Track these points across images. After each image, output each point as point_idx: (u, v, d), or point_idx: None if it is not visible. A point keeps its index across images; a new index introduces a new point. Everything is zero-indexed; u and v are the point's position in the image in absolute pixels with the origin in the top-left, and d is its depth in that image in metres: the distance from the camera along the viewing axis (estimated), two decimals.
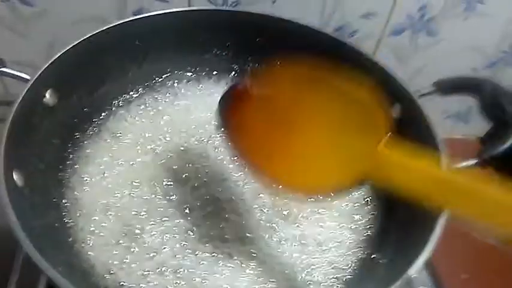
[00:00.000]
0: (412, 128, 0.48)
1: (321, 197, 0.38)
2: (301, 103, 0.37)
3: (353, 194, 0.47)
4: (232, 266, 0.43)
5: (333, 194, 0.37)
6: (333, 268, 0.44)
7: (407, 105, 0.48)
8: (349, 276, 0.44)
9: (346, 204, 0.49)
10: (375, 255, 0.45)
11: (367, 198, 0.49)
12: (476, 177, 0.33)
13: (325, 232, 0.47)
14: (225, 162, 0.50)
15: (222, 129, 0.40)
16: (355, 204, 0.49)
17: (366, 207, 0.49)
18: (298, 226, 0.46)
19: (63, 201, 0.45)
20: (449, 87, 0.48)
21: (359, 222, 0.48)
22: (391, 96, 0.50)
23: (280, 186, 0.37)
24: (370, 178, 0.34)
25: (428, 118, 0.45)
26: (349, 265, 0.45)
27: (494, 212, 0.30)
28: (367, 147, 0.34)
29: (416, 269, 0.35)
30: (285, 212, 0.47)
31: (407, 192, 0.32)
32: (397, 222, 0.46)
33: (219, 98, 0.42)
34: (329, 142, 0.36)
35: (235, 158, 0.40)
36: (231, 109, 0.40)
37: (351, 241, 0.46)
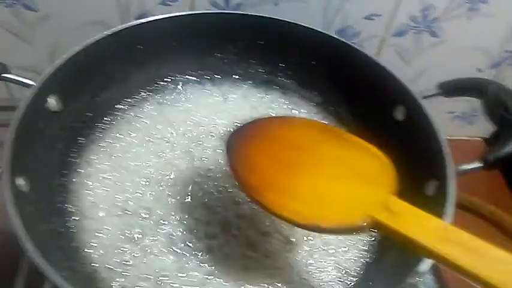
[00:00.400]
0: (416, 130, 0.47)
1: (326, 231, 0.36)
2: (312, 145, 0.39)
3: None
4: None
5: (335, 233, 0.37)
6: (338, 271, 0.44)
7: (411, 107, 0.48)
8: (354, 279, 0.44)
9: None
10: (380, 259, 0.45)
11: None
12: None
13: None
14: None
15: (229, 165, 0.40)
16: None
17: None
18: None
19: (67, 206, 0.45)
20: (454, 89, 0.48)
21: None
22: (394, 98, 0.50)
23: (285, 216, 0.36)
24: (380, 225, 0.33)
25: (432, 120, 0.45)
26: (355, 269, 0.45)
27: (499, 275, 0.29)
28: (378, 194, 0.34)
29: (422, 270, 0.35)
30: None
31: (411, 246, 0.32)
32: None
33: (229, 136, 0.41)
34: (339, 182, 0.36)
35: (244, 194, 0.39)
36: (240, 146, 0.40)
37: (356, 244, 0.46)
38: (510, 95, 0.44)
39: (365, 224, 0.33)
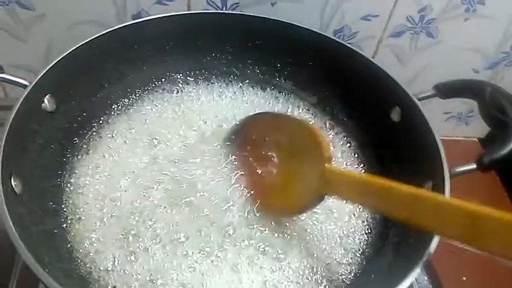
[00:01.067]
0: (411, 129, 0.48)
1: (292, 215, 0.47)
2: (270, 141, 0.50)
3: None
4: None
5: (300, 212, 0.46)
6: (332, 274, 0.44)
7: (408, 108, 0.48)
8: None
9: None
10: (375, 259, 0.45)
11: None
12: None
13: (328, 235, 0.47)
14: (224, 164, 0.51)
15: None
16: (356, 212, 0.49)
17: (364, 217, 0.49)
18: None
19: (62, 207, 0.45)
20: (450, 90, 0.48)
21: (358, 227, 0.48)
22: (390, 99, 0.50)
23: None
24: (326, 193, 0.42)
25: (428, 122, 0.45)
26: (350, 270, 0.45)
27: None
28: (317, 169, 0.42)
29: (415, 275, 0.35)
30: None
31: (353, 200, 0.42)
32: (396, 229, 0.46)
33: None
34: (292, 170, 0.46)
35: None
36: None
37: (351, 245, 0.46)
38: (506, 97, 0.44)
39: (317, 197, 0.43)
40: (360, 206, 0.49)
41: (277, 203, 0.46)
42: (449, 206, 0.34)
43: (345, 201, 0.45)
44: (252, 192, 0.48)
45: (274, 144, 0.49)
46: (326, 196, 0.42)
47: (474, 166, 0.42)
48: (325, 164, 0.41)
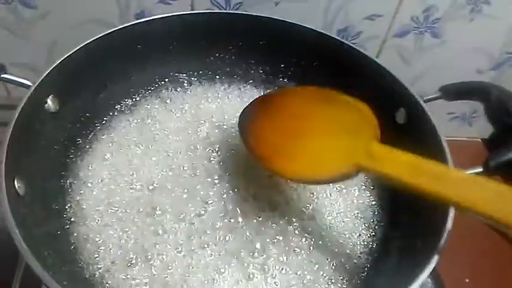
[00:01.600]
0: (417, 131, 0.47)
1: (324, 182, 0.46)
2: (308, 111, 0.46)
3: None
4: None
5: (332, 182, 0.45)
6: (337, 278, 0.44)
7: (413, 110, 0.48)
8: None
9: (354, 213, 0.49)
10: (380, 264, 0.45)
11: (373, 207, 0.50)
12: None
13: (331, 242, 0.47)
14: (231, 165, 0.50)
15: (243, 135, 0.48)
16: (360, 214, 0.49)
17: (370, 216, 0.49)
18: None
19: (65, 208, 0.45)
20: (455, 93, 0.47)
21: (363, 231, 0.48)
22: (395, 100, 0.50)
23: (290, 177, 0.44)
24: (365, 169, 0.40)
25: (434, 124, 0.45)
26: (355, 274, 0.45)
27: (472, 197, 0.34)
28: (361, 143, 0.40)
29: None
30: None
31: (395, 182, 0.38)
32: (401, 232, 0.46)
33: (243, 109, 0.49)
34: (330, 139, 0.43)
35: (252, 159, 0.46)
36: (250, 118, 0.48)
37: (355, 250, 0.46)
38: None
39: (353, 170, 0.40)
40: (368, 206, 0.48)
41: (304, 167, 0.43)
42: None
43: (386, 181, 0.41)
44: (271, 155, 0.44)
45: (304, 113, 0.46)
46: (361, 172, 0.41)
47: (480, 169, 0.41)
48: (374, 141, 0.40)
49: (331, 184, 0.50)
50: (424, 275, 0.35)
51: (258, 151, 0.45)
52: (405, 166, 0.37)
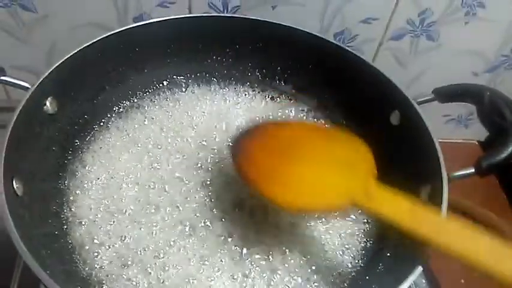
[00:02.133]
0: (410, 133, 0.48)
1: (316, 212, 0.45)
2: (305, 143, 0.45)
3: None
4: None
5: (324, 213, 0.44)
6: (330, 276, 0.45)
7: (407, 112, 0.48)
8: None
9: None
10: (373, 262, 0.46)
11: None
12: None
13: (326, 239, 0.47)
14: (227, 167, 0.51)
15: (235, 162, 0.45)
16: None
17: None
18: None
19: (63, 209, 0.45)
20: (449, 95, 0.48)
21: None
22: (390, 102, 0.51)
23: (282, 203, 0.41)
24: (361, 206, 0.39)
25: (427, 126, 0.45)
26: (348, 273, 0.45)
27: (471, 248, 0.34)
28: (358, 179, 0.40)
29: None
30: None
31: (392, 223, 0.37)
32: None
33: (234, 139, 0.47)
34: (326, 171, 0.42)
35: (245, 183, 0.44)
36: (244, 144, 0.45)
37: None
38: (505, 101, 0.44)
39: (347, 204, 0.39)
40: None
41: (298, 196, 0.41)
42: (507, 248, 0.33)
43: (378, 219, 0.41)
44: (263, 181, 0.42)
45: (302, 145, 0.45)
46: (354, 208, 0.40)
47: (472, 170, 0.42)
48: (371, 178, 0.40)
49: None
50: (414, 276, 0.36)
51: (250, 175, 0.43)
52: (404, 211, 0.37)
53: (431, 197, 0.42)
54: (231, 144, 0.46)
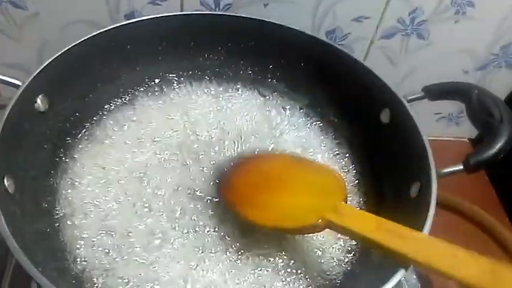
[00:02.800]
0: (400, 130, 0.48)
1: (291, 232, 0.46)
2: (282, 175, 0.48)
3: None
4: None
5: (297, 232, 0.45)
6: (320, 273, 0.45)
7: (396, 110, 0.49)
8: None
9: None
10: (364, 258, 0.46)
11: None
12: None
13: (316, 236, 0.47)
14: (216, 164, 0.51)
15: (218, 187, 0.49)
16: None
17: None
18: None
19: (55, 206, 0.45)
20: (438, 93, 0.48)
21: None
22: (380, 100, 0.51)
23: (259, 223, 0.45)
24: (330, 223, 0.41)
25: (416, 124, 0.46)
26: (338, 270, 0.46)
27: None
28: (330, 201, 0.42)
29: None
30: None
31: (359, 237, 0.40)
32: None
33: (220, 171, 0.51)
34: (301, 196, 0.45)
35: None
36: (226, 177, 0.50)
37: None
38: (492, 99, 0.45)
39: (320, 222, 0.41)
40: None
41: (273, 217, 0.44)
42: (467, 255, 0.34)
43: (351, 237, 0.45)
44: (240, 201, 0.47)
45: (275, 173, 0.49)
46: (327, 227, 0.42)
47: (461, 167, 0.43)
48: (342, 201, 0.42)
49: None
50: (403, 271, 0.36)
51: (230, 198, 0.47)
52: (370, 223, 0.39)
53: (420, 194, 0.43)
54: (217, 180, 0.50)
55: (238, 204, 0.46)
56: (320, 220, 0.41)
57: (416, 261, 0.35)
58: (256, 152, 0.54)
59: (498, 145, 0.41)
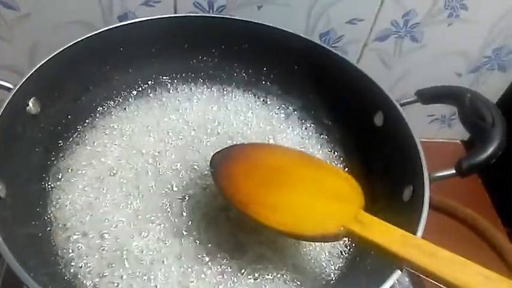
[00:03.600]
0: (393, 133, 0.48)
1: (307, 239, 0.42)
2: (289, 170, 0.43)
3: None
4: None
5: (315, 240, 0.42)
6: (314, 276, 0.45)
7: (390, 113, 0.49)
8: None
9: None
10: (357, 260, 0.46)
11: None
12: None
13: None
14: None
15: (215, 176, 0.44)
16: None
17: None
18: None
19: (46, 210, 0.45)
20: (431, 96, 0.49)
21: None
22: (374, 103, 0.51)
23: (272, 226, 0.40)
24: (353, 233, 0.38)
25: (409, 127, 0.46)
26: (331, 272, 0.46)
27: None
28: (349, 209, 0.39)
29: None
30: None
31: (376, 250, 0.37)
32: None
33: (213, 156, 0.45)
34: (317, 199, 0.41)
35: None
36: (224, 167, 0.44)
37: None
38: (485, 103, 0.45)
39: (340, 232, 0.38)
40: None
41: (287, 220, 0.40)
42: (499, 278, 0.33)
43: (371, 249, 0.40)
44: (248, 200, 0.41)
45: (286, 171, 0.44)
46: (346, 237, 0.39)
47: (453, 171, 0.43)
48: (362, 210, 0.39)
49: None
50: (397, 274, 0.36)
51: (235, 196, 0.42)
52: (395, 236, 0.37)
53: (413, 197, 0.43)
54: (211, 170, 0.44)
55: (250, 204, 0.40)
56: (342, 229, 0.38)
57: (443, 279, 0.34)
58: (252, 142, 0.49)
59: (490, 149, 0.42)
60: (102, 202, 0.47)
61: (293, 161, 0.45)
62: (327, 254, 0.47)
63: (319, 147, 0.56)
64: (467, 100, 0.46)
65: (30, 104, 0.45)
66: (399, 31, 0.67)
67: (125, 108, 0.56)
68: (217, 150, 0.47)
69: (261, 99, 0.60)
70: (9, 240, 0.35)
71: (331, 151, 0.56)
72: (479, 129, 0.44)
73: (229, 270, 0.43)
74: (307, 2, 0.63)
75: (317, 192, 0.41)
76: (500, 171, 0.62)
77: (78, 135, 0.52)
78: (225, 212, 0.47)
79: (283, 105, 0.59)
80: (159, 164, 0.51)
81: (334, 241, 0.41)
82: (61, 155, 0.50)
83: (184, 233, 0.45)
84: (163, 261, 0.43)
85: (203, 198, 0.48)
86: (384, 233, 0.37)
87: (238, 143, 0.49)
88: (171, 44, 0.57)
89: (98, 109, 0.54)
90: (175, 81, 0.59)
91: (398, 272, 0.36)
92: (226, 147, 0.48)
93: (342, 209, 0.39)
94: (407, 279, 0.56)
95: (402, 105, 0.48)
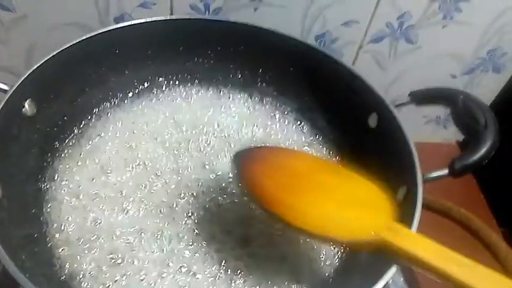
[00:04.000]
0: (387, 135, 0.49)
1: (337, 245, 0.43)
2: (312, 176, 0.43)
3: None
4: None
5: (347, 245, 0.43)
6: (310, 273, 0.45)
7: (384, 114, 0.49)
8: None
9: None
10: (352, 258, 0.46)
11: None
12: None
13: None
14: (212, 171, 0.51)
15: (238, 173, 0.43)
16: None
17: None
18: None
19: (42, 211, 0.45)
20: (424, 98, 0.49)
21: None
22: (368, 105, 0.52)
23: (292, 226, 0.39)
24: (386, 242, 0.37)
25: (403, 128, 0.46)
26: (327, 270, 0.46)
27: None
28: (381, 218, 0.39)
29: None
30: None
31: (419, 263, 0.36)
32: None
33: (235, 157, 0.45)
34: (347, 204, 0.40)
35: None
36: (247, 168, 0.43)
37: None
38: (478, 105, 0.45)
39: (371, 238, 0.37)
40: None
41: (321, 223, 0.39)
42: None
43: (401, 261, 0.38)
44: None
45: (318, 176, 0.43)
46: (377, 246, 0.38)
47: (446, 172, 0.43)
48: (393, 219, 0.39)
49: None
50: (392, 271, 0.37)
51: (264, 197, 0.40)
52: (430, 248, 0.36)
53: (406, 198, 0.43)
54: (234, 170, 0.43)
55: (278, 205, 0.39)
56: (373, 234, 0.37)
57: None
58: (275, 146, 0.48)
59: (483, 150, 0.42)
60: (98, 203, 0.47)
61: (311, 166, 0.45)
62: (324, 253, 0.47)
63: (314, 148, 0.56)
64: (460, 101, 0.46)
65: (26, 105, 0.45)
66: (394, 33, 0.68)
67: (120, 110, 0.56)
68: (239, 150, 0.46)
69: (257, 101, 0.60)
70: (5, 241, 0.35)
71: (325, 152, 0.56)
72: (472, 130, 0.44)
73: (223, 272, 0.44)
74: (303, 4, 0.63)
75: (346, 199, 0.41)
76: (494, 171, 0.63)
77: (74, 137, 0.52)
78: (219, 212, 0.48)
79: (278, 107, 0.60)
80: (156, 166, 0.51)
81: (364, 248, 0.40)
82: (57, 156, 0.50)
83: (180, 234, 0.46)
84: (160, 262, 0.43)
85: (198, 200, 0.48)
86: (420, 245, 0.36)
87: (259, 145, 0.49)
88: (167, 45, 0.57)
89: (94, 110, 0.54)
90: (171, 82, 0.59)
91: (393, 270, 0.36)
92: (247, 148, 0.47)
93: (373, 217, 0.39)
94: (401, 279, 0.56)
95: (396, 106, 0.49)
